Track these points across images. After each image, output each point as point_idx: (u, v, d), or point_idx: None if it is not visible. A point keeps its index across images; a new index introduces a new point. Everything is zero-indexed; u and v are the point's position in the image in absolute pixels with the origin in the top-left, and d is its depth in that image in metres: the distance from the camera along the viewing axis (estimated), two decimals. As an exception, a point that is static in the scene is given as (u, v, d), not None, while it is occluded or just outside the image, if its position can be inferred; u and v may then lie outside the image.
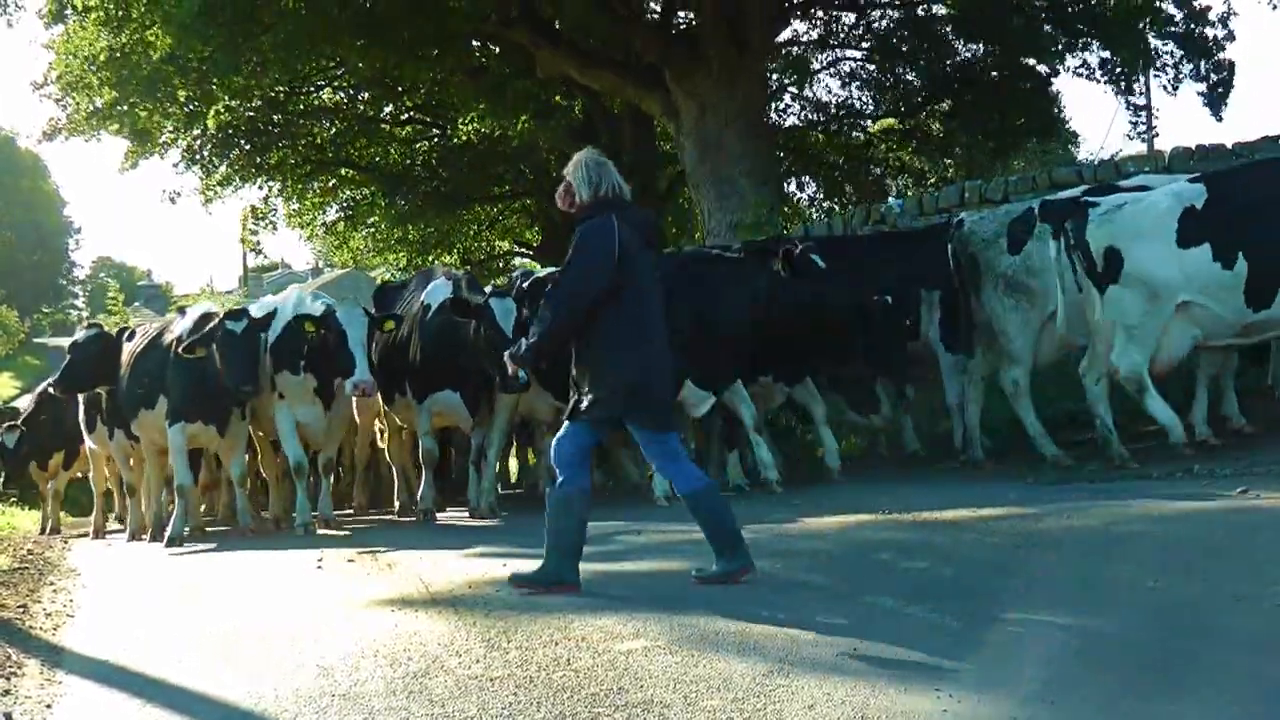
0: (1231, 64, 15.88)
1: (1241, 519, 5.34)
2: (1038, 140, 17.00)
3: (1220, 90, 15.64)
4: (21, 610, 6.41)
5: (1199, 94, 15.77)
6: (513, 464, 12.82)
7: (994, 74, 17.70)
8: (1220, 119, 16.05)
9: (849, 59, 20.13)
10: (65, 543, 11.36)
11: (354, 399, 9.12)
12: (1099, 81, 16.51)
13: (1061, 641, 3.76)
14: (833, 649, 3.91)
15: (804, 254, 8.36)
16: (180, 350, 9.07)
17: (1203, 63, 15.67)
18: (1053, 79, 17.61)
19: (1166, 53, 15.91)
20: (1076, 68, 16.54)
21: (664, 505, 8.05)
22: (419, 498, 9.42)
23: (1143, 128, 19.50)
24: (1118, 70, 16.06)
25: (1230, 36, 15.90)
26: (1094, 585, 4.41)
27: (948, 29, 17.83)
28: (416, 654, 4.33)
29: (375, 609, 5.36)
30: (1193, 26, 15.56)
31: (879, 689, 3.44)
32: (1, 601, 6.68)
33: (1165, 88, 16.60)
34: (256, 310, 9.55)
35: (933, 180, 19.68)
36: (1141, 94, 17.89)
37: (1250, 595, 3.98)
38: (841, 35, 19.48)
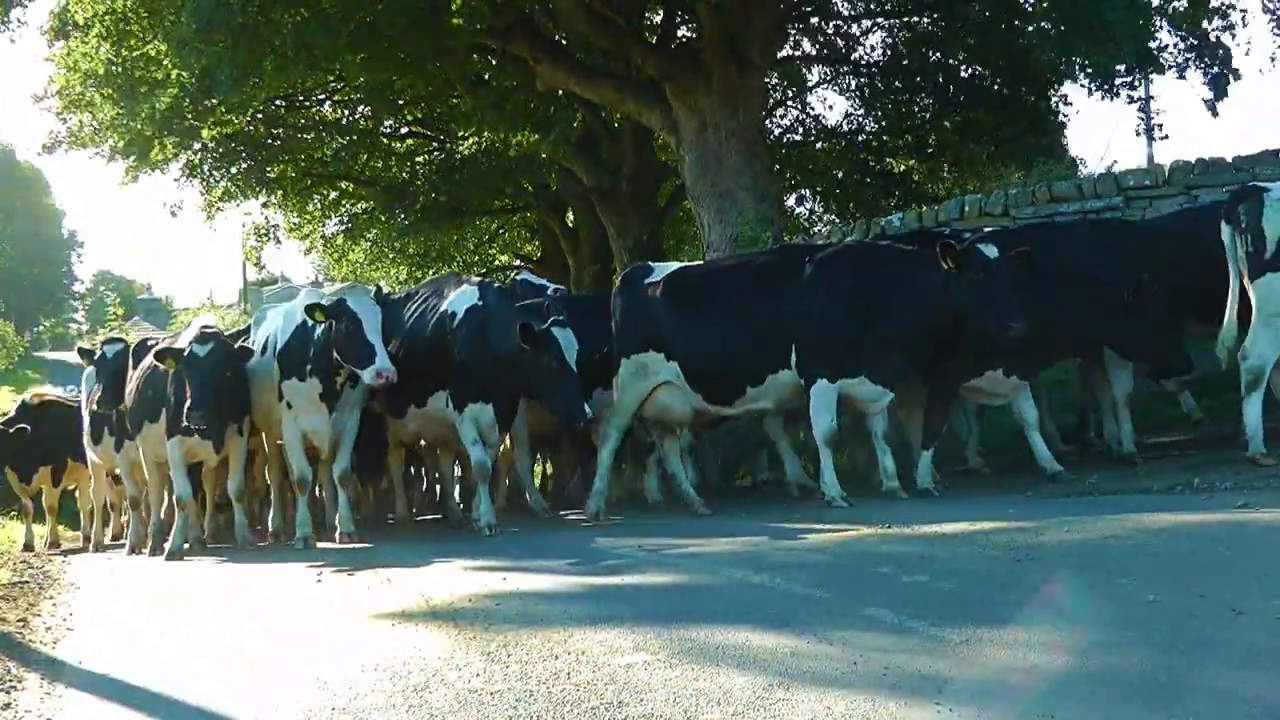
0: (1230, 57, 15.26)
1: (1241, 532, 5.34)
2: (1042, 160, 16.87)
3: (1224, 79, 14.83)
4: (21, 624, 6.41)
5: (1202, 82, 15.02)
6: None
7: (996, 89, 17.67)
8: (1216, 113, 15.26)
9: (851, 75, 20.15)
10: (64, 557, 11.36)
11: (356, 408, 9.10)
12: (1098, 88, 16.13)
13: (1061, 655, 3.76)
14: (833, 662, 3.92)
15: (969, 247, 7.80)
16: (151, 356, 9.09)
17: (1206, 58, 15.05)
18: (1056, 85, 17.43)
19: (1171, 45, 15.27)
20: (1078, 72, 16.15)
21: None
22: (479, 512, 8.74)
23: (1144, 128, 18.79)
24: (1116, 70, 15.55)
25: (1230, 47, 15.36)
26: (1093, 599, 4.41)
27: (951, 53, 17.77)
28: (416, 667, 4.33)
29: (375, 622, 5.36)
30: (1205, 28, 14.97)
31: (879, 702, 3.45)
32: (1, 615, 6.69)
33: (1173, 70, 15.74)
34: (258, 336, 9.61)
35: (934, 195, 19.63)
36: (1140, 97, 17.46)
37: (1250, 609, 3.98)
38: (843, 51, 19.50)
